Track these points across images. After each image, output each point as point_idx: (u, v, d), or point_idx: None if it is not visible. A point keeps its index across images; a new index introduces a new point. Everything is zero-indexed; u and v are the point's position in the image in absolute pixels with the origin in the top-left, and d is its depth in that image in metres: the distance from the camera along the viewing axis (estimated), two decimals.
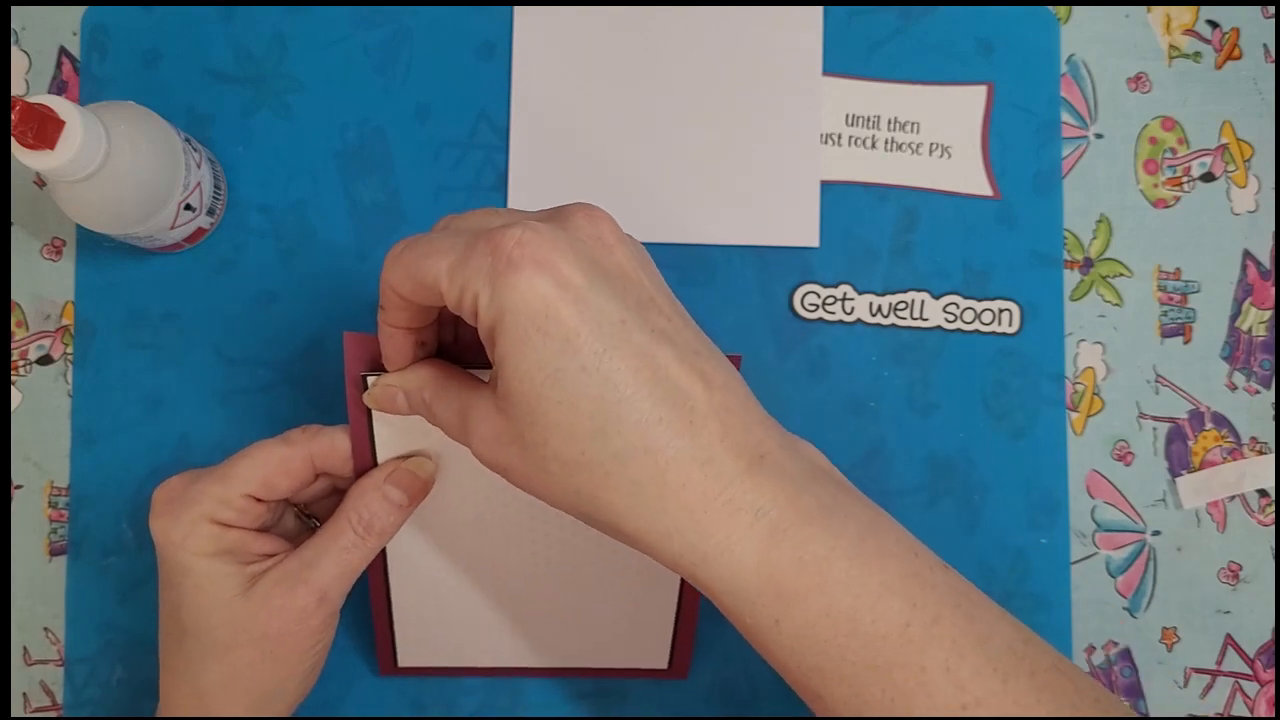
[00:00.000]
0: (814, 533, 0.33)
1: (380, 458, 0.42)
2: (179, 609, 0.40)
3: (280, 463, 0.40)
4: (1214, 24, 0.53)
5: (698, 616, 0.48)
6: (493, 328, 0.32)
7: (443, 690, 0.50)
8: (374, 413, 0.41)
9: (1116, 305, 0.52)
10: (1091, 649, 0.51)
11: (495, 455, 0.34)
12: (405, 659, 0.49)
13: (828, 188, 0.52)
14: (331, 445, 0.41)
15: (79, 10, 0.52)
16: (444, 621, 0.48)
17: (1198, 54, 0.53)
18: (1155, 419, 0.52)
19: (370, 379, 0.39)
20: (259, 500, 0.40)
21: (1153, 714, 0.51)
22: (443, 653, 0.49)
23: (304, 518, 0.45)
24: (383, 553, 0.45)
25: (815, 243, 0.51)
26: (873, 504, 0.36)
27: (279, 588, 0.40)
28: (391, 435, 0.41)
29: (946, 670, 0.33)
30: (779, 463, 0.34)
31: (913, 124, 0.52)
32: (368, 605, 0.47)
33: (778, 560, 0.33)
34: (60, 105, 0.40)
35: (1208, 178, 0.52)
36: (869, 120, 0.52)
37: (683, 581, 0.47)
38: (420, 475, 0.42)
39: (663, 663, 0.50)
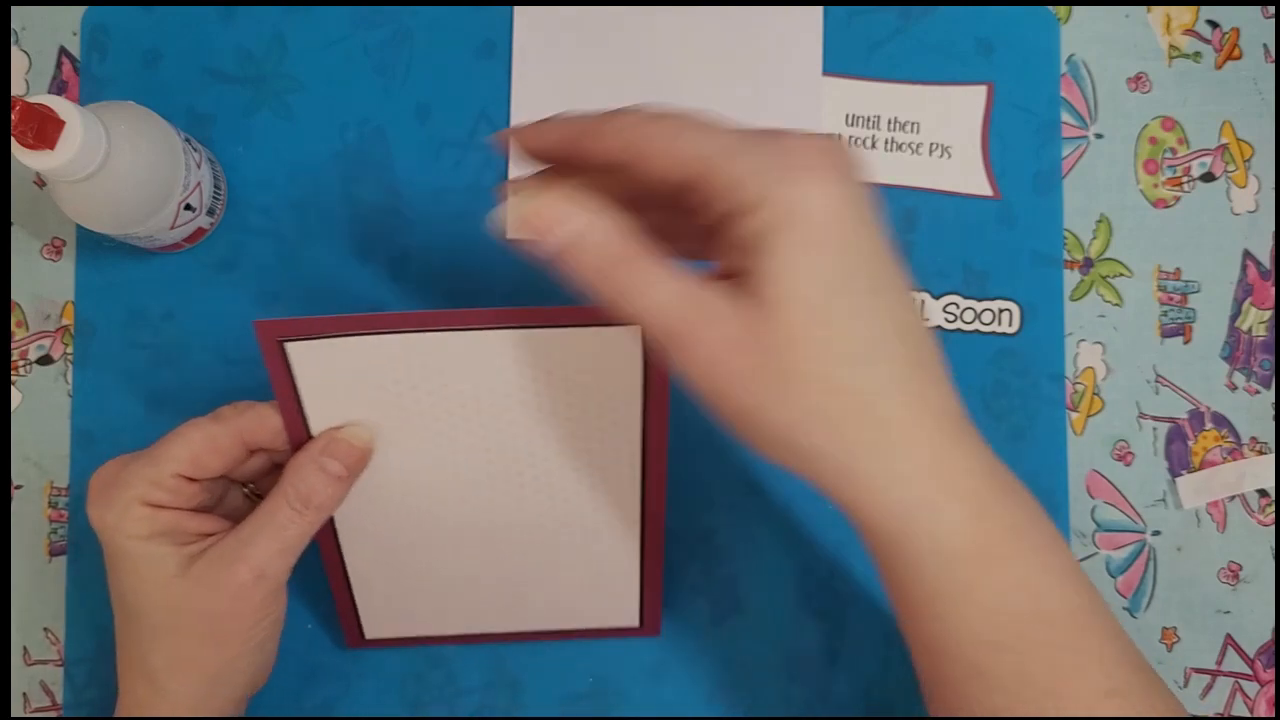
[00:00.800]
0: (1017, 502, 0.34)
1: (314, 429, 0.41)
2: (122, 593, 0.40)
3: (207, 440, 0.40)
4: (1214, 24, 0.53)
5: (662, 573, 0.47)
6: (766, 229, 0.30)
7: (443, 690, 0.50)
8: (302, 384, 0.40)
9: (1116, 305, 0.52)
10: None
11: (725, 363, 0.31)
12: (371, 631, 0.49)
13: None
14: (260, 420, 0.40)
15: (79, 10, 0.52)
16: (405, 590, 0.47)
17: (1198, 54, 0.53)
18: (1155, 419, 0.52)
19: (303, 345, 0.38)
20: (191, 480, 0.40)
21: None
22: (409, 622, 0.49)
23: (253, 496, 0.44)
24: (332, 524, 0.44)
25: None
26: None
27: (215, 567, 0.39)
28: (323, 406, 0.41)
29: (1100, 659, 0.35)
30: (969, 422, 0.34)
31: (913, 124, 0.52)
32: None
33: (991, 525, 0.33)
34: (60, 105, 0.40)
35: (1208, 178, 0.52)
36: (869, 120, 0.52)
37: (644, 537, 0.46)
38: (357, 445, 0.40)
39: (634, 621, 0.49)
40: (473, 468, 0.44)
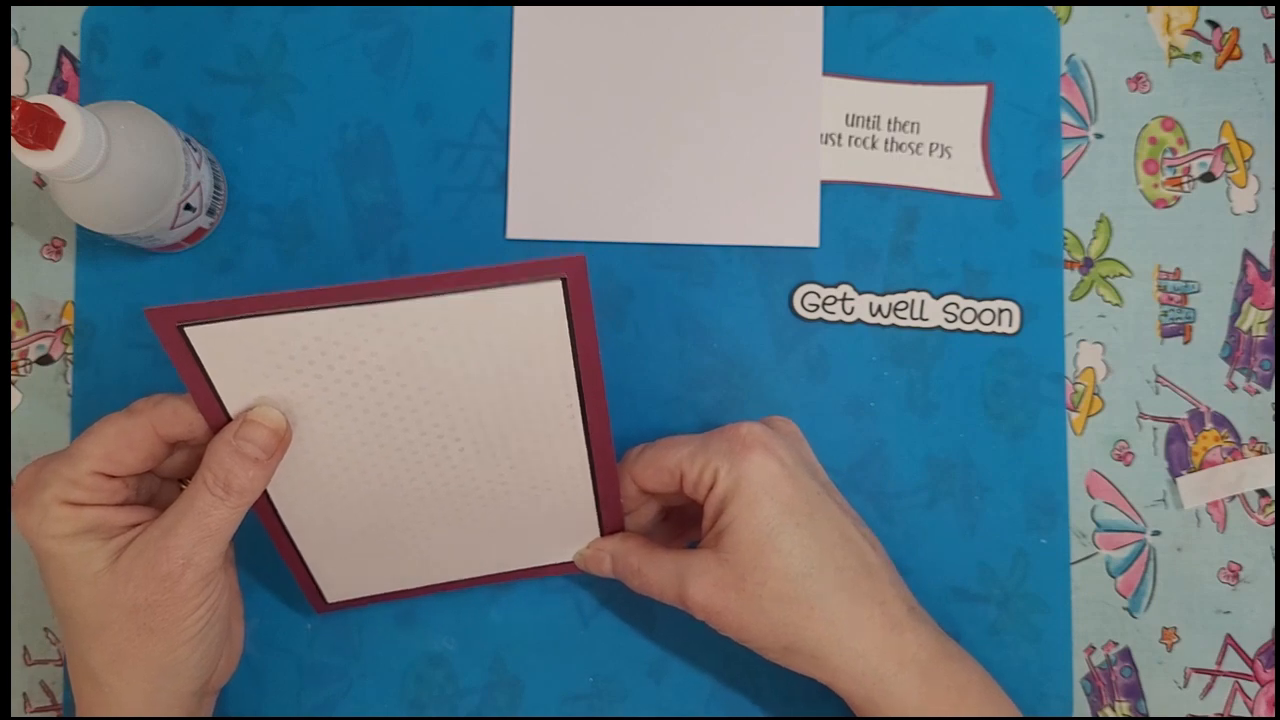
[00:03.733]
0: (955, 668, 0.43)
1: (234, 414, 0.40)
2: (54, 595, 0.40)
3: (121, 435, 0.40)
4: (1214, 24, 0.53)
5: (620, 497, 0.47)
6: (727, 495, 0.43)
7: (443, 690, 0.50)
8: (211, 369, 0.39)
9: (1116, 305, 0.52)
10: (1091, 649, 0.51)
11: (713, 599, 0.43)
12: (333, 595, 0.48)
13: (828, 188, 0.52)
14: (174, 412, 0.40)
15: (79, 10, 0.52)
16: (358, 556, 0.47)
17: (1198, 54, 0.53)
18: (1155, 419, 0.52)
19: (204, 329, 0.38)
20: (110, 476, 0.40)
21: (1153, 714, 0.51)
22: (369, 582, 0.48)
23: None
24: (270, 503, 0.44)
25: (815, 243, 0.51)
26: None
27: (140, 559, 0.39)
28: (239, 389, 0.40)
29: None
30: (921, 609, 0.44)
31: (913, 124, 0.52)
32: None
33: (937, 687, 0.43)
34: (60, 105, 0.40)
35: (1208, 178, 0.52)
36: (869, 120, 0.52)
37: (591, 464, 0.45)
38: (268, 424, 0.40)
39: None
40: (405, 438, 0.43)
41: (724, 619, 0.43)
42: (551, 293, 0.40)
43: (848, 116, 0.52)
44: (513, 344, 0.41)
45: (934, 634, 0.44)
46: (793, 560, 0.42)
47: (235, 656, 0.46)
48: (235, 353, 0.39)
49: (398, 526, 0.46)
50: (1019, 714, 0.44)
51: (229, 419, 0.40)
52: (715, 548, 0.43)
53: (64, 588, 0.40)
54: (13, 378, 0.52)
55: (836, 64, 0.52)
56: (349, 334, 0.39)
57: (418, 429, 0.43)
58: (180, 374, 0.39)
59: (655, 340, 0.51)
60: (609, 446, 0.45)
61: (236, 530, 0.41)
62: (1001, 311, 0.51)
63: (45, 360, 0.52)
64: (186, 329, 0.38)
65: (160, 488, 0.44)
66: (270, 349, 0.39)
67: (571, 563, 0.49)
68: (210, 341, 0.39)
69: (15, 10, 0.53)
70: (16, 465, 0.51)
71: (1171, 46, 0.53)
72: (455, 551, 0.48)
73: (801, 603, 0.42)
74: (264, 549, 0.50)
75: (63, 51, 0.53)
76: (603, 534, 0.48)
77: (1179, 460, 0.52)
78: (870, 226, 0.52)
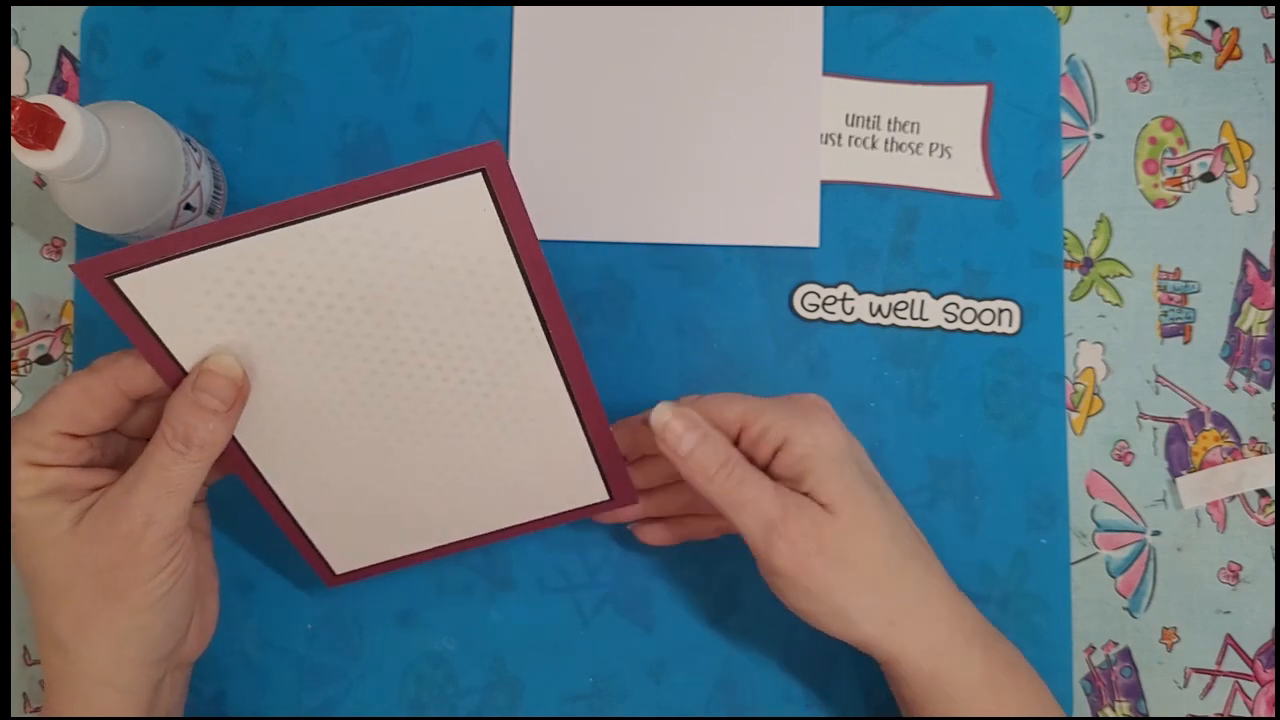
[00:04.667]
0: (1004, 645, 0.45)
1: (186, 364, 0.40)
2: (19, 559, 0.40)
3: (83, 393, 0.39)
4: (1214, 24, 0.53)
5: (614, 440, 0.46)
6: (806, 456, 0.42)
7: (443, 690, 0.50)
8: (151, 319, 0.39)
9: (1116, 305, 0.52)
10: (1091, 649, 0.51)
11: (810, 542, 0.42)
12: (340, 565, 0.48)
13: (828, 188, 0.52)
14: (134, 366, 0.40)
15: (79, 10, 0.52)
16: (356, 515, 0.46)
17: (1198, 54, 0.53)
18: (1155, 419, 0.52)
19: (134, 277, 0.37)
20: (75, 436, 0.40)
21: (1153, 714, 0.51)
22: (374, 548, 0.48)
23: None
24: (254, 468, 0.43)
25: (815, 243, 0.51)
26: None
27: (102, 518, 0.39)
28: (185, 337, 0.39)
29: None
30: (959, 589, 0.45)
31: (913, 124, 0.52)
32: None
33: (996, 662, 0.44)
34: (60, 105, 0.40)
35: (1208, 178, 0.52)
36: (869, 120, 0.52)
37: (577, 406, 0.44)
38: (224, 373, 0.39)
39: (602, 494, 0.48)
40: (368, 368, 0.42)
41: (811, 565, 0.41)
42: (474, 187, 0.38)
43: (848, 116, 0.52)
44: (448, 251, 0.39)
45: (975, 609, 0.45)
46: (888, 519, 0.43)
47: (208, 631, 0.45)
48: (172, 298, 0.38)
49: (388, 477, 0.45)
50: (1051, 696, 0.45)
51: (183, 371, 0.40)
52: (802, 499, 0.42)
53: (29, 550, 0.39)
54: (13, 378, 0.52)
55: (836, 64, 0.52)
56: (281, 260, 0.38)
57: (378, 357, 0.41)
58: (122, 329, 0.38)
59: (656, 340, 0.51)
60: (584, 374, 0.43)
61: (205, 495, 0.41)
62: (1001, 311, 0.51)
63: (45, 360, 0.52)
64: (117, 279, 0.37)
65: (127, 448, 0.43)
66: (207, 289, 0.38)
67: (580, 509, 0.47)
68: (144, 290, 0.38)
69: (15, 10, 0.53)
70: None
71: (1171, 46, 0.53)
72: (453, 504, 0.46)
73: (890, 563, 0.42)
74: (262, 548, 0.50)
75: (63, 51, 0.53)
76: (603, 471, 0.47)
77: (1179, 460, 0.52)
78: (870, 226, 0.52)
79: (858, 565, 0.42)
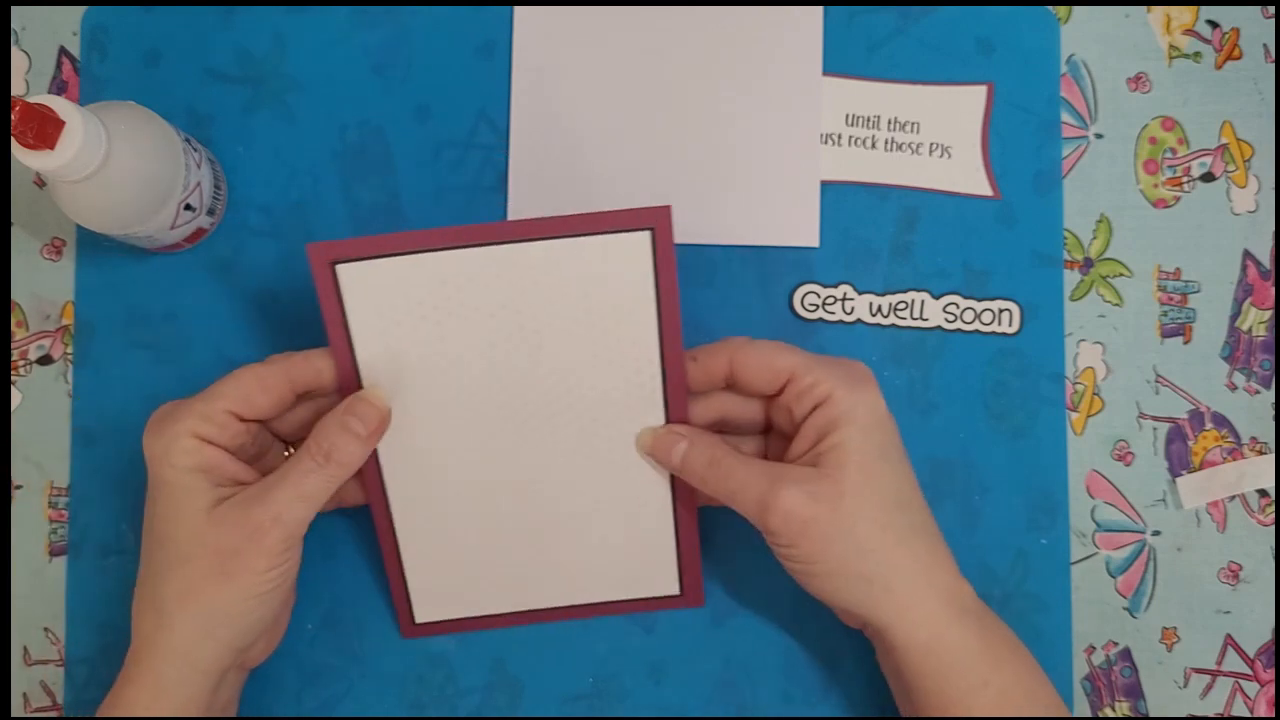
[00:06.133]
0: (999, 624, 0.44)
1: (360, 358, 0.44)
2: (154, 520, 0.43)
3: (257, 379, 0.43)
4: (1214, 24, 0.53)
5: (698, 537, 0.48)
6: (840, 417, 0.43)
7: (443, 690, 0.50)
8: (350, 309, 0.43)
9: (1116, 305, 0.52)
10: (1091, 649, 0.51)
11: (805, 508, 0.42)
12: (423, 615, 0.50)
13: (828, 188, 0.52)
14: (305, 360, 0.44)
15: (79, 10, 0.52)
16: (453, 566, 0.49)
17: (1198, 54, 0.53)
18: (1155, 419, 0.52)
19: (353, 267, 0.43)
20: (240, 419, 0.43)
21: (1153, 714, 0.51)
22: (459, 603, 0.49)
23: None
24: (386, 501, 0.47)
25: (815, 243, 0.51)
26: None
27: (238, 507, 0.42)
28: (370, 334, 0.44)
29: None
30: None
31: (913, 124, 0.52)
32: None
33: (994, 637, 0.43)
34: (60, 105, 0.40)
35: (1208, 178, 0.52)
36: (869, 120, 0.52)
37: (675, 498, 0.48)
38: (377, 405, 0.44)
39: (673, 588, 0.49)
40: (505, 401, 0.46)
41: (808, 532, 0.42)
42: (640, 244, 0.43)
43: (848, 116, 0.52)
44: (602, 297, 0.44)
45: (972, 588, 0.44)
46: (895, 490, 0.43)
47: (273, 643, 0.47)
48: (374, 296, 0.43)
49: (493, 528, 0.48)
50: (1050, 683, 0.44)
51: (354, 363, 0.44)
52: (808, 469, 0.43)
53: (167, 515, 0.42)
54: (13, 378, 0.52)
55: (836, 64, 0.52)
56: (471, 278, 0.43)
57: (516, 389, 0.45)
58: (323, 311, 0.43)
59: None
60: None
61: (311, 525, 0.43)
62: (1001, 311, 0.51)
63: (45, 360, 0.52)
64: (338, 266, 0.43)
65: (270, 450, 0.46)
66: (405, 291, 0.43)
67: (651, 599, 0.49)
68: (355, 282, 0.43)
69: (15, 10, 0.53)
70: (17, 465, 0.51)
71: (1171, 46, 0.53)
72: (541, 567, 0.49)
73: (892, 531, 0.43)
74: None
75: (63, 51, 0.53)
76: (681, 568, 0.49)
77: (1179, 460, 0.52)
78: (870, 226, 0.52)
79: (855, 532, 0.42)
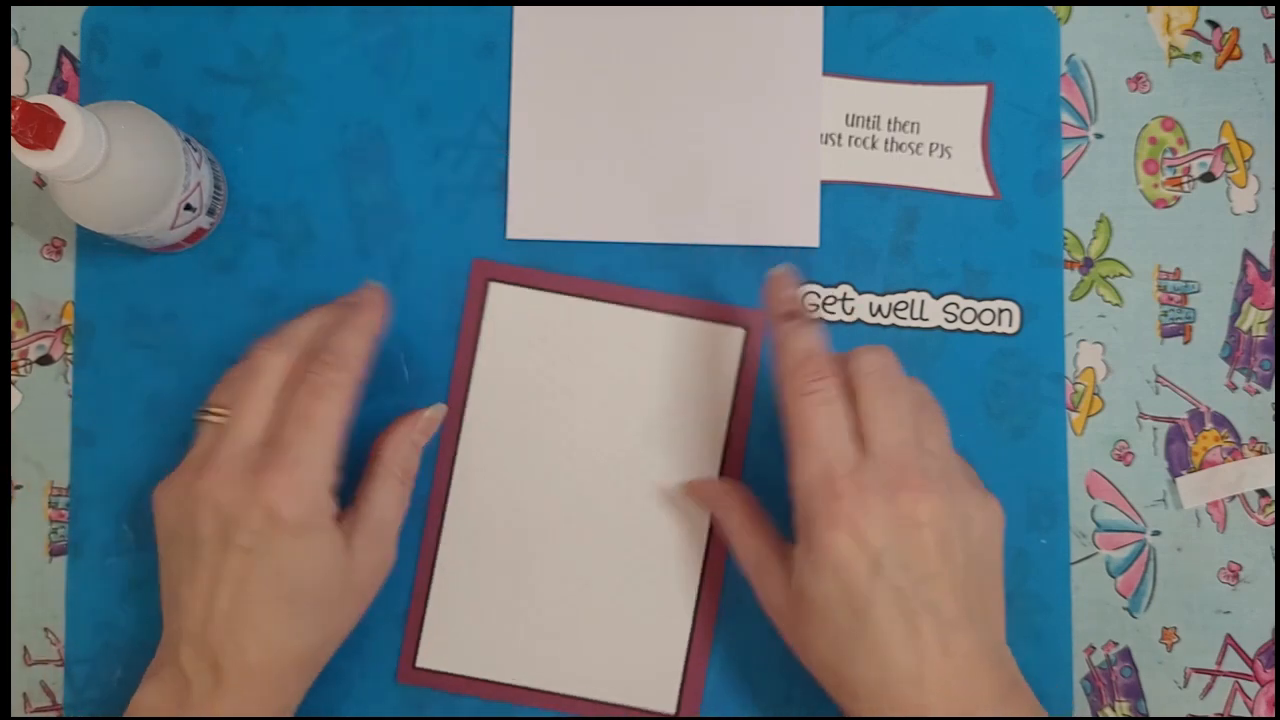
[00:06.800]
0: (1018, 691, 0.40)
1: (478, 365, 0.50)
2: (286, 574, 0.41)
3: (345, 415, 0.43)
4: (1214, 24, 0.53)
5: (708, 663, 0.49)
6: (806, 536, 0.41)
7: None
8: (487, 322, 0.49)
9: (1116, 305, 0.52)
10: (1091, 649, 0.51)
11: (770, 597, 0.44)
12: (426, 660, 0.50)
13: (828, 188, 0.52)
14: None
15: (79, 10, 0.52)
16: (472, 615, 0.49)
17: (1198, 54, 0.53)
18: (1155, 419, 0.52)
19: (503, 288, 0.50)
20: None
21: (1153, 714, 0.51)
22: (463, 658, 0.50)
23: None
24: (439, 530, 0.50)
25: (815, 243, 0.51)
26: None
27: (370, 543, 0.43)
28: (492, 348, 0.50)
29: None
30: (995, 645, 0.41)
31: (913, 124, 0.52)
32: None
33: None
34: (60, 105, 0.40)
35: (1208, 178, 0.52)
36: (869, 120, 0.52)
37: (695, 618, 0.50)
38: (436, 419, 0.47)
39: (669, 706, 0.49)
40: (575, 452, 0.50)
41: (777, 620, 0.44)
42: (734, 339, 0.50)
43: (848, 116, 0.52)
44: (686, 380, 0.50)
45: (1003, 673, 0.41)
46: (839, 636, 0.41)
47: None
48: (511, 315, 0.50)
49: (518, 591, 0.49)
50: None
51: (470, 371, 0.49)
52: (790, 569, 0.42)
53: (315, 567, 0.42)
54: (13, 378, 0.52)
55: (836, 64, 0.52)
56: (588, 330, 0.50)
57: (580, 450, 0.50)
58: (465, 317, 0.50)
59: None
60: (723, 554, 0.49)
61: None
62: (1001, 311, 0.51)
63: (45, 360, 0.52)
64: (491, 284, 0.49)
65: None
66: (535, 322, 0.50)
67: (643, 711, 0.49)
68: (501, 300, 0.50)
69: (15, 10, 0.53)
70: (17, 465, 0.51)
71: (1171, 46, 0.53)
72: (550, 647, 0.49)
73: (837, 676, 0.42)
74: None
75: (63, 51, 0.53)
76: (683, 688, 0.49)
77: (1179, 460, 0.52)
78: (870, 226, 0.52)
79: (809, 647, 0.42)
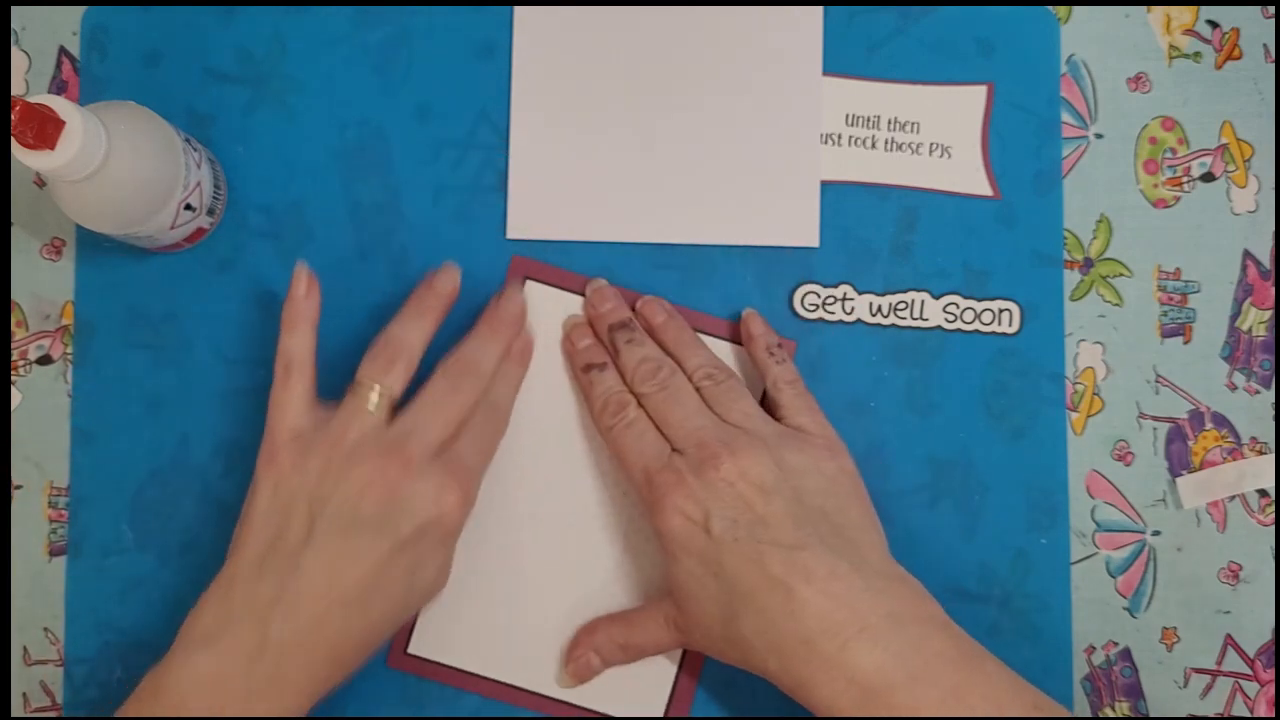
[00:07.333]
0: (898, 700, 0.40)
1: None
2: (424, 568, 0.44)
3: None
4: (1214, 24, 0.53)
5: (700, 672, 0.49)
6: (658, 540, 0.46)
7: (443, 690, 0.50)
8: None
9: (1116, 305, 0.52)
10: (1091, 649, 0.51)
11: (693, 637, 0.46)
12: (418, 647, 0.50)
13: (828, 188, 0.52)
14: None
15: (79, 10, 0.52)
16: (470, 607, 0.50)
17: (1198, 54, 0.53)
18: (1155, 419, 0.52)
19: (538, 287, 0.51)
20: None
21: (1153, 714, 0.51)
22: (454, 648, 0.50)
23: None
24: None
25: (815, 243, 0.51)
26: (964, 648, 0.43)
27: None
28: None
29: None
30: (876, 635, 0.41)
31: (913, 124, 0.52)
32: None
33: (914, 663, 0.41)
34: (60, 105, 0.40)
35: (1208, 178, 0.52)
36: (869, 120, 0.52)
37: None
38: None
39: (659, 709, 0.50)
40: (579, 455, 0.50)
41: (716, 651, 0.46)
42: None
43: (848, 116, 0.52)
44: None
45: (887, 655, 0.41)
46: (714, 605, 0.44)
47: None
48: (542, 315, 0.50)
49: (527, 580, 0.50)
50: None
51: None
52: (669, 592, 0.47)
53: (449, 561, 0.46)
54: (13, 378, 0.52)
55: (836, 64, 0.52)
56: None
57: (590, 461, 0.50)
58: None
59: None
60: None
61: None
62: (1001, 311, 0.51)
63: (45, 360, 0.52)
64: (529, 282, 0.51)
65: None
66: (560, 320, 0.50)
67: (627, 717, 0.49)
68: (535, 299, 0.50)
69: (15, 10, 0.53)
70: (17, 465, 0.51)
71: (1171, 46, 0.53)
72: (551, 647, 0.49)
73: (733, 643, 0.44)
74: None
75: (63, 51, 0.53)
76: (673, 695, 0.50)
77: (1179, 460, 0.52)
78: (870, 226, 0.52)
79: (714, 643, 0.45)
